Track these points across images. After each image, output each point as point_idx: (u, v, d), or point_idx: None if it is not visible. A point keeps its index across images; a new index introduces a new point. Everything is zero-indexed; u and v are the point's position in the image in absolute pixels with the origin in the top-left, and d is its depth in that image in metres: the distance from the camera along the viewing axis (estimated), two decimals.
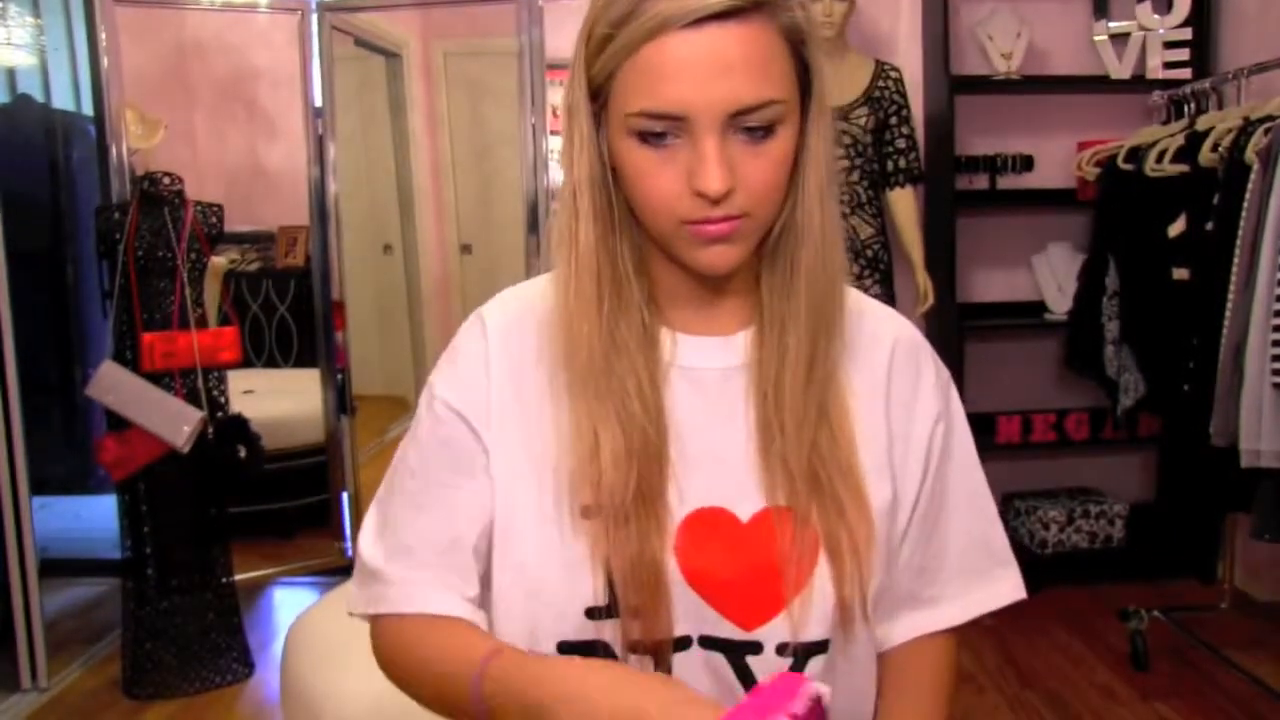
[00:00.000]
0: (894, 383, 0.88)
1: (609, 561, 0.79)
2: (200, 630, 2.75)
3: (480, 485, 0.85)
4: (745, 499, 0.83)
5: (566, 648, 0.81)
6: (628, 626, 0.79)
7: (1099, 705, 2.54)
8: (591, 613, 0.80)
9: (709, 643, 0.81)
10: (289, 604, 3.40)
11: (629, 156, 0.77)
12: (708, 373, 0.85)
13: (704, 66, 0.72)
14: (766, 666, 0.81)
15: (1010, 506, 3.46)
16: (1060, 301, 3.37)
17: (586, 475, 0.80)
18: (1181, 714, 2.48)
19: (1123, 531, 3.35)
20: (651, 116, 0.74)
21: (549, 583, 0.81)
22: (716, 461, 0.83)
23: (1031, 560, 3.18)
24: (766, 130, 0.75)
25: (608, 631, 0.80)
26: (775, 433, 0.82)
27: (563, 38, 3.31)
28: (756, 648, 0.81)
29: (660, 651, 0.80)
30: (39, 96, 3.74)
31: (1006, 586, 0.93)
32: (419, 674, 0.84)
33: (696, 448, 0.83)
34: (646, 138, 0.75)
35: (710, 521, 0.82)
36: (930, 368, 0.91)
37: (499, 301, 0.91)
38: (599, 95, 0.78)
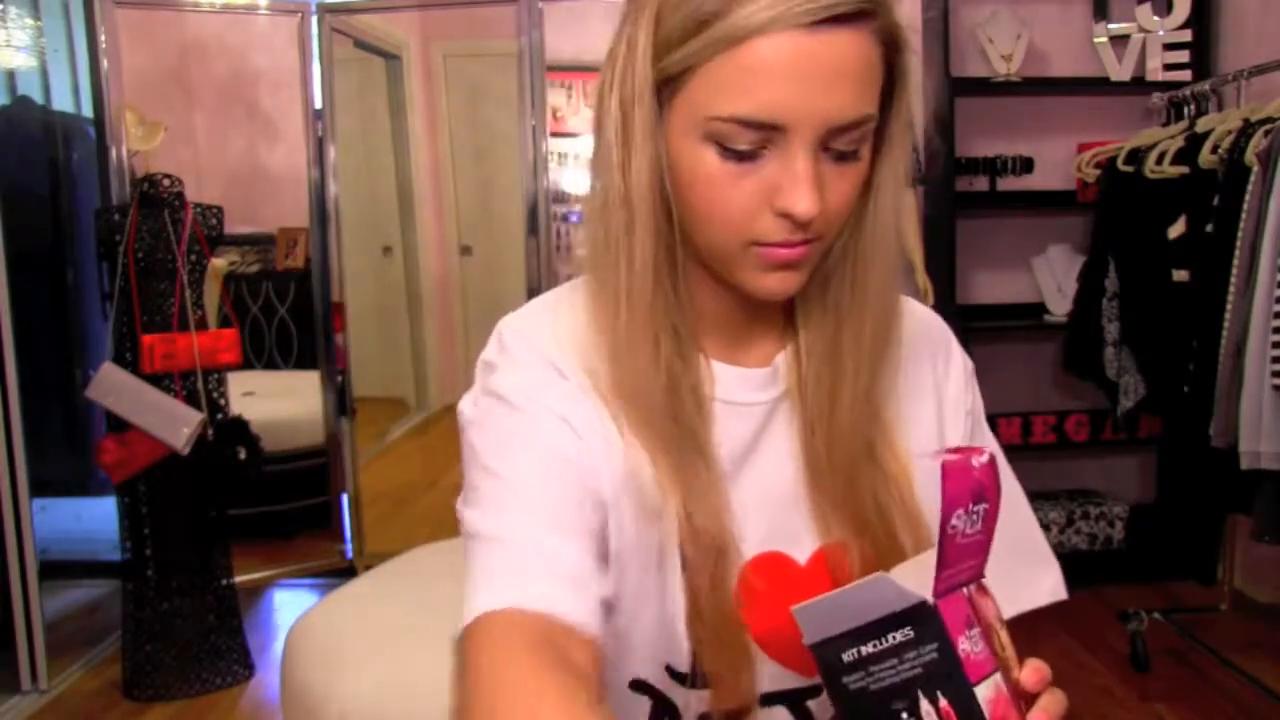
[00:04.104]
0: (936, 373, 0.84)
1: (694, 624, 0.72)
2: (200, 632, 2.74)
3: (585, 458, 0.71)
4: (800, 539, 0.77)
5: (638, 685, 0.76)
6: (717, 694, 0.73)
7: (1099, 707, 2.54)
8: (672, 672, 0.75)
9: (769, 699, 0.77)
10: (289, 606, 3.40)
11: (700, 163, 0.67)
12: (753, 408, 0.78)
13: (813, 73, 0.63)
14: (826, 708, 0.78)
15: None
16: (1060, 303, 3.37)
17: (674, 520, 0.72)
18: (1181, 716, 2.48)
19: (1123, 533, 3.34)
20: (746, 124, 0.65)
21: (640, 627, 0.74)
22: (768, 501, 0.77)
23: None
24: (856, 150, 0.68)
25: (679, 694, 0.75)
26: (824, 466, 0.76)
27: (563, 39, 3.31)
28: (817, 691, 0.78)
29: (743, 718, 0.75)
30: (39, 98, 3.73)
31: (1045, 588, 0.87)
32: None
33: (745, 487, 0.76)
34: (727, 146, 0.66)
35: (769, 568, 0.77)
36: (958, 357, 0.87)
37: (528, 318, 0.79)
38: (665, 86, 0.68)
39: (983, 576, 0.61)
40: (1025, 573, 0.88)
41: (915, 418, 0.81)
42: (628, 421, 0.73)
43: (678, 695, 0.75)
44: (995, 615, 0.60)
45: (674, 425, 0.73)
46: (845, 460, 0.75)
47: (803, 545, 0.77)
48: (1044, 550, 0.89)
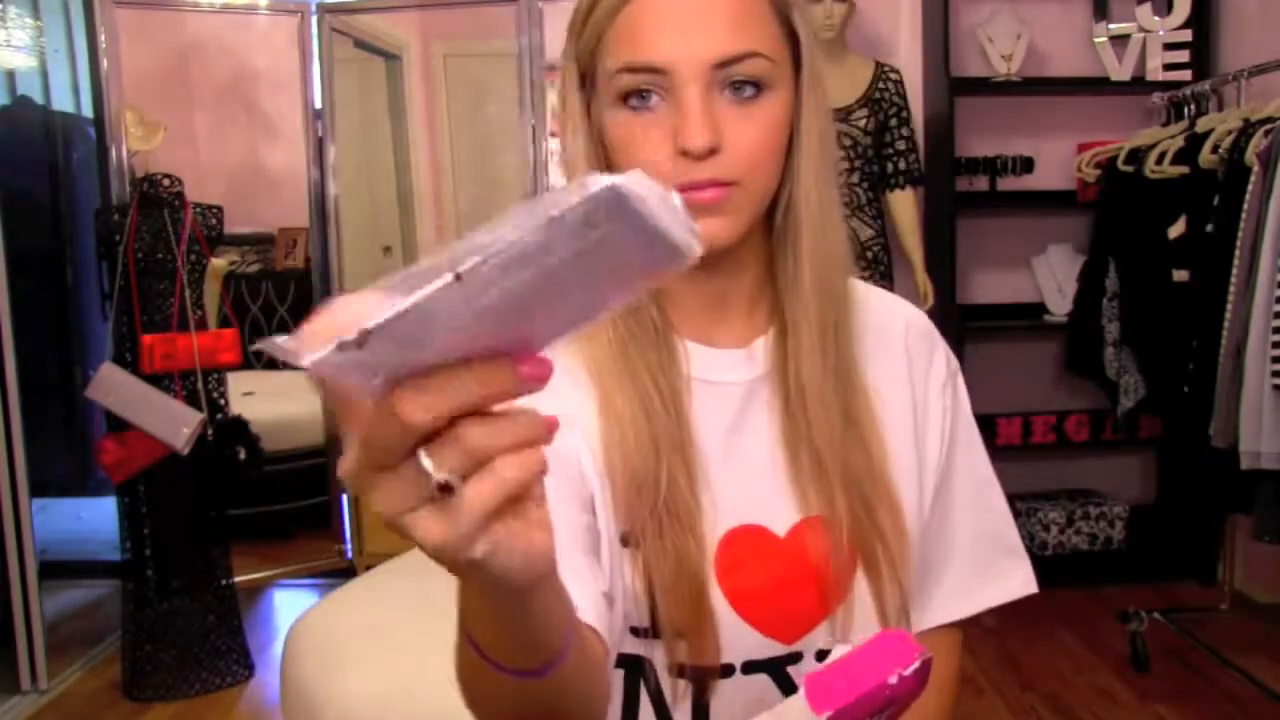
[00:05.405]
0: (913, 367, 0.87)
1: (651, 582, 0.76)
2: (200, 632, 2.74)
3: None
4: (779, 513, 0.81)
5: (620, 660, 0.80)
6: (673, 648, 0.77)
7: (1099, 707, 2.54)
8: (637, 631, 0.78)
9: (751, 667, 0.80)
10: (289, 606, 3.40)
11: (616, 124, 0.75)
12: (731, 388, 0.82)
13: (685, 18, 0.71)
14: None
15: (1010, 508, 3.44)
16: (1060, 303, 3.37)
17: (620, 484, 0.76)
18: (1182, 716, 2.48)
19: (1123, 533, 3.34)
20: (633, 70, 0.73)
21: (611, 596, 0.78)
22: (747, 476, 0.81)
23: (1031, 562, 3.17)
24: (755, 90, 0.73)
25: (656, 651, 0.78)
26: (801, 440, 0.80)
27: (562, 39, 3.31)
28: (797, 658, 0.81)
29: (706, 677, 0.78)
30: (39, 98, 3.73)
31: (1016, 581, 0.91)
32: None
33: (725, 464, 0.80)
34: (631, 101, 0.73)
35: (748, 540, 0.80)
36: (941, 354, 0.89)
37: None
38: (587, 75, 0.78)
39: None
40: (997, 566, 0.92)
41: (890, 403, 0.85)
42: (611, 401, 0.77)
43: (643, 649, 0.79)
44: None
45: (656, 401, 0.77)
46: (826, 440, 0.79)
47: (781, 520, 0.81)
48: (1015, 544, 0.93)
